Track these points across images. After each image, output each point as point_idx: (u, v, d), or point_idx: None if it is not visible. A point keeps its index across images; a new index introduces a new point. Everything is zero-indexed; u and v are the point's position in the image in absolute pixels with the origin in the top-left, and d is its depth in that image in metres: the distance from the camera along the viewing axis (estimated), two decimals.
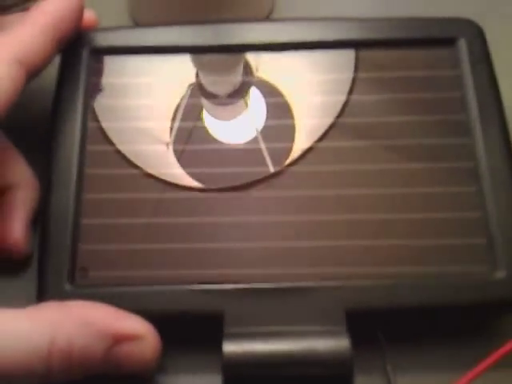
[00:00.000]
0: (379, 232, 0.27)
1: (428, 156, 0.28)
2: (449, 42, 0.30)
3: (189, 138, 0.28)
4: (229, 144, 0.29)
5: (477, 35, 0.29)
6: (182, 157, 0.28)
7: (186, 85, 0.30)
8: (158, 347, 0.24)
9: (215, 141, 0.29)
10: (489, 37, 0.29)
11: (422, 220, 0.27)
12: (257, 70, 0.30)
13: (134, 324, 0.24)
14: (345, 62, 0.30)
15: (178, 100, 0.29)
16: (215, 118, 0.29)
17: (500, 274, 0.25)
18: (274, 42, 0.30)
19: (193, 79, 0.30)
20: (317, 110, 0.29)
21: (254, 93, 0.30)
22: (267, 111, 0.29)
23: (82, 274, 0.26)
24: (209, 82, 0.30)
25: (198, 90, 0.30)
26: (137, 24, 0.36)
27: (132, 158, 0.28)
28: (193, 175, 0.28)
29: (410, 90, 0.29)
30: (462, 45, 0.29)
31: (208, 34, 0.30)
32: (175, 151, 0.28)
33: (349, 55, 0.30)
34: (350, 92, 0.29)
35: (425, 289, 0.25)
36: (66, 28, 0.28)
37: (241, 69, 0.30)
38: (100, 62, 0.30)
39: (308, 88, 0.30)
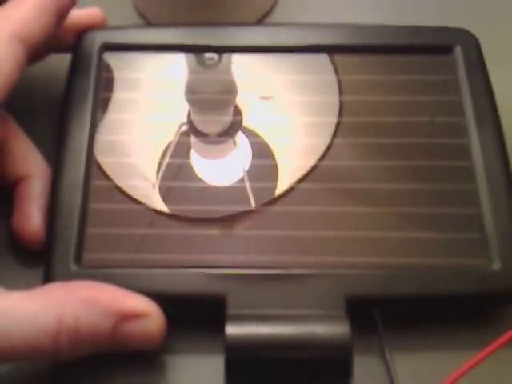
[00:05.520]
0: (380, 225, 0.28)
1: (427, 155, 0.29)
2: (446, 50, 0.31)
3: (175, 178, 0.28)
4: (215, 184, 0.29)
5: (472, 43, 0.31)
6: (168, 197, 0.28)
7: (178, 124, 0.30)
8: (163, 325, 0.25)
9: (201, 181, 0.29)
10: (483, 45, 0.31)
11: (421, 215, 0.28)
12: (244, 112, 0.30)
13: (139, 302, 0.25)
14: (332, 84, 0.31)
15: (168, 139, 0.30)
16: (204, 157, 0.30)
17: (495, 266, 0.26)
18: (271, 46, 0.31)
19: (184, 118, 0.30)
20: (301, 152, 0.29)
21: (241, 134, 0.30)
22: (252, 153, 0.30)
23: (88, 256, 0.27)
24: (200, 121, 0.30)
25: (189, 128, 0.30)
26: (141, 16, 0.36)
27: None
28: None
29: (410, 94, 0.30)
30: (459, 52, 0.31)
31: (206, 35, 0.32)
32: (161, 191, 0.28)
33: (348, 60, 0.31)
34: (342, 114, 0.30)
35: (422, 278, 0.26)
36: (64, 2, 0.28)
37: (231, 109, 0.30)
38: (109, 59, 0.31)
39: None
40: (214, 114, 0.31)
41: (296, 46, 0.31)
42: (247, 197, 0.28)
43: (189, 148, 0.30)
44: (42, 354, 0.24)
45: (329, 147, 0.29)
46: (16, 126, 0.29)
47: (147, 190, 0.28)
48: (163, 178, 0.29)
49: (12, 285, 0.24)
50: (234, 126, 0.30)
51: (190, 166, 0.29)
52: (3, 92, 0.26)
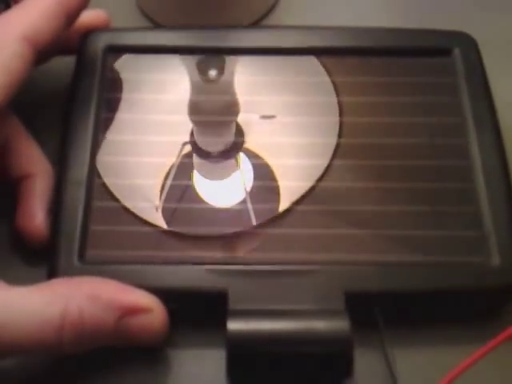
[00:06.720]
0: (380, 222, 0.28)
1: (427, 155, 0.29)
2: (446, 52, 0.32)
3: (178, 200, 0.28)
4: (217, 206, 0.29)
5: (471, 46, 0.32)
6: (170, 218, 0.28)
7: (180, 143, 0.30)
8: (165, 320, 0.25)
9: (203, 202, 0.29)
10: (481, 47, 0.31)
11: (422, 213, 0.28)
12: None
13: (141, 297, 0.25)
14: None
15: (170, 159, 0.30)
16: (206, 177, 0.30)
17: (494, 262, 0.27)
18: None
19: (187, 138, 0.30)
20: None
21: (243, 155, 0.30)
22: (254, 174, 0.30)
23: (91, 252, 0.27)
24: (202, 140, 0.30)
25: (191, 148, 0.30)
26: (144, 14, 0.37)
27: None
28: None
29: (410, 95, 0.31)
30: (458, 54, 0.31)
31: (208, 37, 0.32)
32: (164, 213, 0.28)
33: (349, 63, 0.32)
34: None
35: (421, 275, 0.26)
36: (74, 4, 0.28)
37: (233, 130, 0.30)
38: (114, 60, 0.32)
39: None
40: (217, 133, 0.31)
41: (295, 47, 0.32)
42: (249, 218, 0.28)
43: (191, 169, 0.30)
44: (45, 347, 0.24)
45: (328, 168, 0.29)
46: (20, 125, 0.30)
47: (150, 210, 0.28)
48: (166, 200, 0.29)
49: (14, 283, 0.24)
50: (236, 147, 0.30)
51: (192, 187, 0.29)
52: (10, 92, 0.26)
